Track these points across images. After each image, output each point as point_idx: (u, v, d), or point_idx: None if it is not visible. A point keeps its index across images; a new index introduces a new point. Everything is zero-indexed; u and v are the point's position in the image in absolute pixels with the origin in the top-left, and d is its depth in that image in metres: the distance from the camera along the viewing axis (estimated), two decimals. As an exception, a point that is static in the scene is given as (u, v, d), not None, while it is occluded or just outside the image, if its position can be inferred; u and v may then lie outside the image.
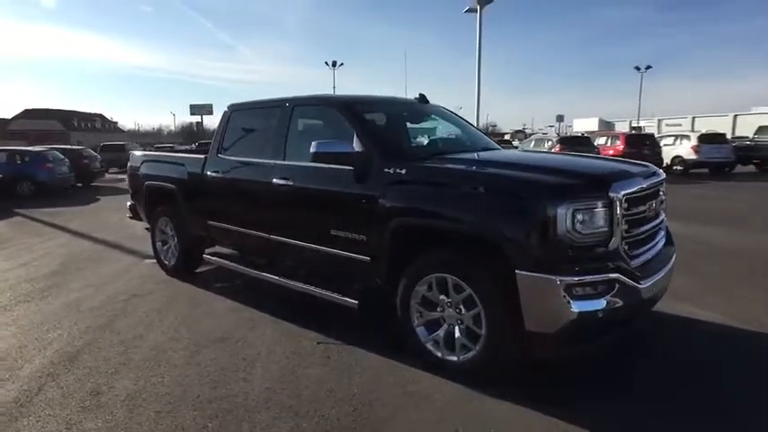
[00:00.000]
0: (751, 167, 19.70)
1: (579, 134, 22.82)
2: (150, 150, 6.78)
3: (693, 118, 54.10)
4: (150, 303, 4.57)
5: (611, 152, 16.82)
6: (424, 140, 4.37)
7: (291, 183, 3.86)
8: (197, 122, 54.22)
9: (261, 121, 4.46)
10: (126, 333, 3.89)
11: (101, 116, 74.77)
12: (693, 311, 4.07)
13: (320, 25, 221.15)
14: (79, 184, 16.18)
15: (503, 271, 2.75)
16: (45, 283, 5.27)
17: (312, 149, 3.41)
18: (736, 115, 50.55)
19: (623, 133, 19.40)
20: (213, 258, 4.87)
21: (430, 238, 3.14)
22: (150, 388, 3.02)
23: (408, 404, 2.78)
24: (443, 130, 4.46)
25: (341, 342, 3.61)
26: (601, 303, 2.66)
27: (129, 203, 6.11)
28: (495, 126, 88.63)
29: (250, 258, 4.65)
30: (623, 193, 2.78)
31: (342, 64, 39.61)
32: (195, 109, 40.75)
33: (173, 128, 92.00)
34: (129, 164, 5.99)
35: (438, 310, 3.13)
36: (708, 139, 19.22)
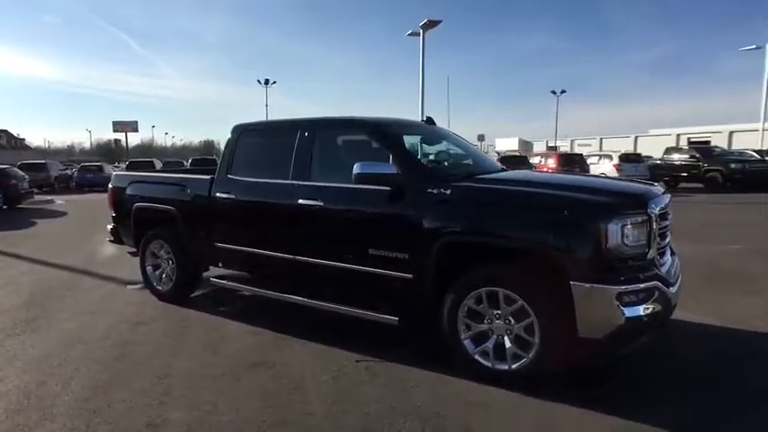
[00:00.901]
0: (661, 184, 21.88)
1: (517, 154, 24.21)
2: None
3: (601, 139, 59.24)
4: (160, 330, 4.37)
5: (545, 169, 18.07)
6: (447, 161, 4.58)
7: (322, 203, 3.91)
8: (116, 140, 51.28)
9: (276, 141, 4.46)
10: (150, 362, 3.70)
11: (5, 132, 68.42)
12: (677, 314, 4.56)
13: (244, 42, 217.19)
14: (4, 207, 14.76)
15: (556, 283, 2.99)
16: (26, 314, 4.84)
17: (356, 171, 3.51)
18: (636, 136, 56.03)
19: (557, 153, 20.92)
20: (223, 282, 4.73)
21: (478, 254, 3.33)
22: (208, 417, 2.93)
23: (475, 414, 2.92)
24: (455, 151, 4.69)
25: (378, 359, 3.68)
26: (644, 309, 2.97)
27: (109, 227, 5.78)
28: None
29: (263, 280, 4.58)
30: (657, 209, 3.14)
31: (275, 82, 39.36)
32: (119, 125, 38.52)
33: (87, 145, 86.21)
34: (111, 184, 5.68)
35: (486, 321, 3.31)
36: (627, 159, 21.22)
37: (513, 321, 3.20)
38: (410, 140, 4.41)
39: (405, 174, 3.57)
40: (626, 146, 49.28)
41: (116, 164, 32.77)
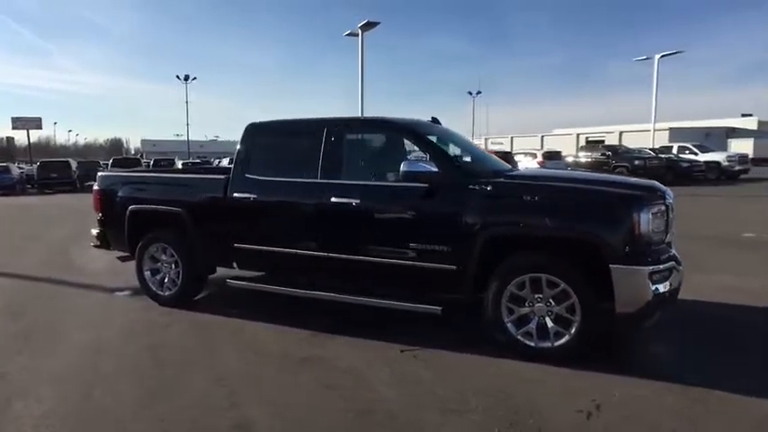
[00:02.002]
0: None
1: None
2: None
3: (512, 138, 63.21)
4: (181, 334, 4.25)
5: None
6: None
7: (358, 201, 4.03)
8: (8, 137, 46.29)
9: (299, 140, 4.50)
10: (193, 366, 3.62)
11: None
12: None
13: (155, 37, 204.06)
14: None
15: (596, 266, 3.39)
16: (13, 327, 4.46)
17: (404, 169, 3.70)
18: (543, 136, 60.44)
19: (491, 152, 22.07)
20: (242, 283, 4.66)
21: (522, 243, 3.65)
22: (288, 412, 2.97)
23: (535, 388, 3.20)
24: (465, 150, 4.98)
25: (421, 348, 3.87)
26: (666, 285, 3.44)
27: (95, 231, 5.43)
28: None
29: (285, 278, 4.58)
30: (671, 200, 3.64)
31: (195, 78, 37.72)
32: (19, 122, 34.71)
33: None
34: (97, 186, 5.34)
35: (527, 305, 3.64)
36: (549, 156, 22.98)
37: (553, 303, 3.55)
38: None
39: (445, 171, 3.79)
40: (534, 144, 52.99)
41: (19, 164, 29.61)
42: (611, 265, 3.32)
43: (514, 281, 3.61)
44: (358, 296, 4.15)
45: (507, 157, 20.12)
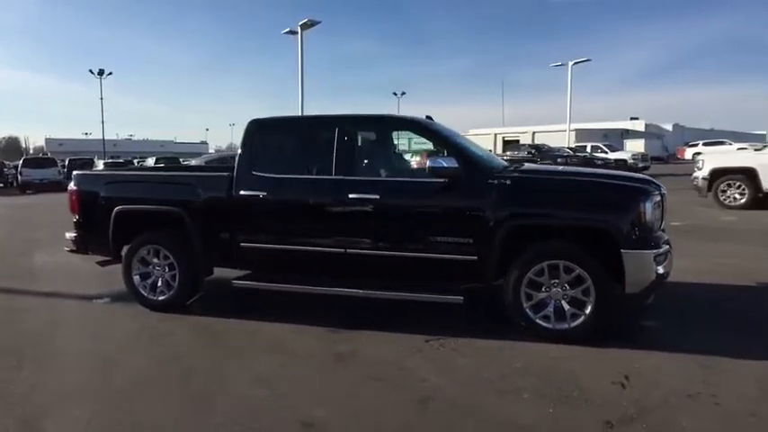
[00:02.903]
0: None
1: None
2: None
3: None
4: (193, 340, 4.08)
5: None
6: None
7: (378, 196, 4.09)
8: None
9: (309, 137, 4.48)
10: (223, 371, 3.51)
11: None
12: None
13: (60, 30, 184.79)
14: None
15: (608, 252, 3.73)
16: None
17: (431, 164, 3.84)
18: (463, 135, 62.88)
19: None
20: (250, 283, 4.52)
21: (540, 233, 3.91)
22: (350, 405, 3.00)
23: (570, 364, 3.47)
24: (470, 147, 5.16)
25: (444, 337, 4.00)
26: (664, 267, 3.87)
27: (71, 235, 5.00)
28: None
29: (294, 276, 4.52)
30: (664, 191, 4.08)
31: (111, 73, 35.20)
32: None
33: None
34: (74, 186, 4.92)
35: (544, 290, 3.91)
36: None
37: (568, 287, 3.86)
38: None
39: (465, 167, 3.98)
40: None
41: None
42: (622, 251, 3.68)
43: (533, 268, 3.87)
44: (377, 290, 4.22)
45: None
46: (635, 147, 38.94)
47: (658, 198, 3.89)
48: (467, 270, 4.01)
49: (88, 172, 5.14)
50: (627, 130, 54.87)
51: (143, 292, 4.77)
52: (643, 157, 28.28)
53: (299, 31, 18.99)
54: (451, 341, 3.94)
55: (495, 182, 3.93)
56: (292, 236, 4.34)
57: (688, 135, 56.23)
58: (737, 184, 11.32)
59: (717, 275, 5.67)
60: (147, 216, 4.66)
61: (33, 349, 3.93)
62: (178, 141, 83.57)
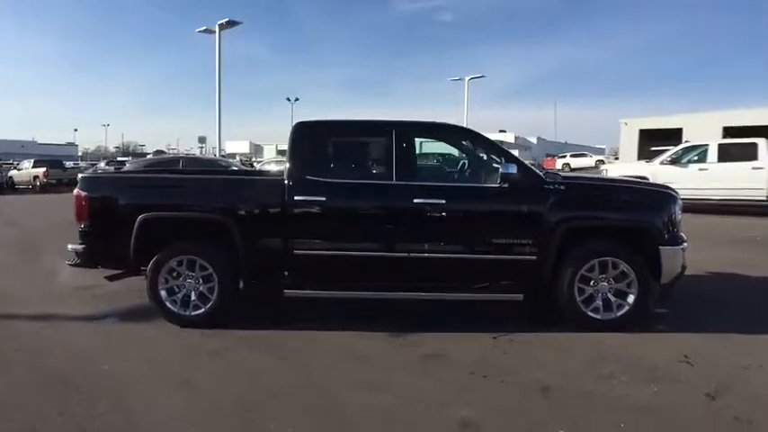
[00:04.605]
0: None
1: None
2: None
3: None
4: (258, 354, 3.82)
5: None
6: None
7: (443, 202, 4.20)
8: None
9: (363, 141, 4.44)
10: (326, 380, 3.38)
11: None
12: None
13: None
14: None
15: (648, 248, 4.26)
16: (30, 377, 3.38)
17: (506, 171, 4.07)
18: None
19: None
20: (303, 292, 4.32)
21: (593, 233, 4.32)
22: (482, 401, 3.09)
23: (630, 349, 3.88)
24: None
25: (507, 333, 4.20)
26: (684, 260, 4.51)
27: (76, 247, 4.35)
28: (144, 146, 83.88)
29: (347, 282, 4.43)
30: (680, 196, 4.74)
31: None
32: None
33: None
34: (82, 191, 4.29)
35: (591, 284, 4.33)
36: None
37: (613, 282, 4.31)
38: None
39: (524, 173, 4.26)
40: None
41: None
42: (660, 247, 4.23)
43: (586, 265, 4.27)
44: (440, 293, 4.33)
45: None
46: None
47: (680, 202, 4.53)
48: (526, 269, 4.29)
49: (102, 174, 4.50)
50: (501, 142, 59.93)
51: (172, 307, 4.32)
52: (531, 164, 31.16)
53: (217, 30, 17.97)
54: (516, 336, 4.18)
55: (551, 187, 4.27)
56: (352, 242, 4.27)
57: (550, 147, 63.24)
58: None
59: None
60: (180, 224, 4.25)
61: (104, 384, 3.34)
62: (41, 143, 73.79)
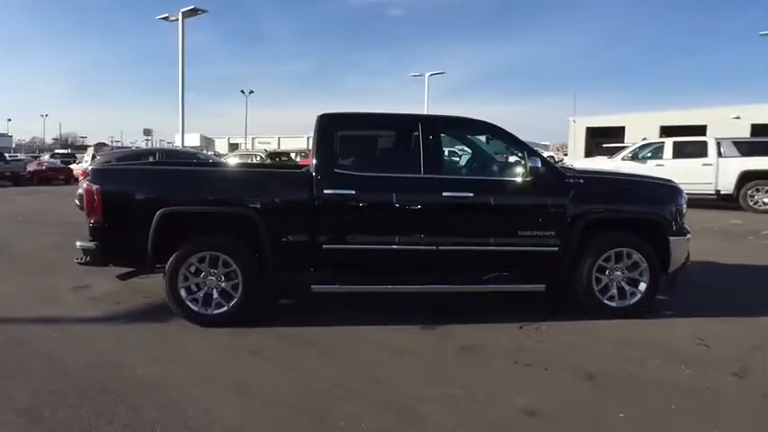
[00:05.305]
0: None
1: (283, 152, 24.51)
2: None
3: (279, 138, 65.14)
4: (297, 352, 3.74)
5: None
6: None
7: (472, 194, 4.26)
8: None
9: (389, 135, 4.41)
10: (380, 374, 3.36)
11: None
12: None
13: None
14: None
15: (658, 239, 4.50)
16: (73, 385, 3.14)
17: (534, 165, 4.16)
18: (308, 137, 63.79)
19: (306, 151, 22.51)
20: (331, 287, 4.25)
21: (610, 225, 4.50)
22: (534, 387, 3.18)
23: (657, 332, 4.11)
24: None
25: (526, 322, 4.35)
26: (689, 251, 4.80)
27: (84, 244, 4.07)
28: (85, 137, 79.26)
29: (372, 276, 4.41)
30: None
31: None
32: None
33: None
34: (94, 183, 4.01)
35: (607, 274, 4.52)
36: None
37: (626, 271, 4.53)
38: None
39: (547, 168, 4.40)
40: (301, 144, 55.45)
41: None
42: (669, 237, 4.48)
43: (603, 255, 4.46)
44: (465, 285, 4.39)
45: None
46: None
47: (686, 195, 4.81)
48: (549, 260, 4.43)
49: (116, 166, 4.21)
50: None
51: (192, 305, 4.14)
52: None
53: (180, 18, 17.13)
54: (539, 325, 4.30)
55: (572, 181, 4.42)
56: (381, 235, 4.25)
57: (498, 144, 64.96)
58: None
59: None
60: (203, 219, 4.07)
61: (144, 390, 3.13)
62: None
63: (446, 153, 5.21)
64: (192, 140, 72.35)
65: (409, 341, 3.96)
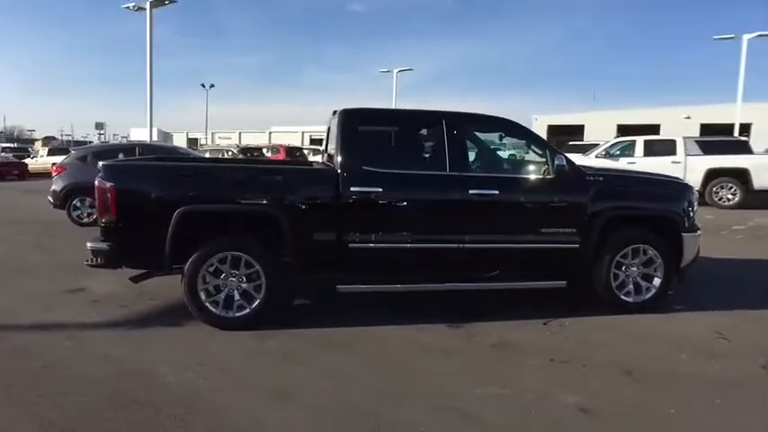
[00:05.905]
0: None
1: (255, 147, 23.75)
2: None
3: (240, 133, 64.05)
4: (335, 355, 3.63)
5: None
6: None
7: (497, 192, 4.24)
8: None
9: (413, 132, 4.33)
10: (425, 369, 3.29)
11: None
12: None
13: None
14: None
15: (671, 235, 4.62)
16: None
17: (560, 163, 4.18)
18: (270, 132, 63.01)
19: (284, 147, 22.02)
20: (357, 287, 4.13)
21: (628, 222, 4.58)
22: (578, 385, 3.19)
23: (668, 330, 4.21)
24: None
25: (553, 318, 4.38)
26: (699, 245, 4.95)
27: (96, 246, 3.81)
28: (33, 131, 75.27)
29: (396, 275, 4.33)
30: (691, 184, 5.18)
31: None
32: None
33: None
34: (107, 181, 3.74)
35: (623, 269, 4.61)
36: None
37: (641, 267, 4.63)
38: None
39: (570, 165, 4.43)
40: (263, 140, 54.54)
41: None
42: (683, 234, 4.61)
43: (621, 252, 4.54)
44: (488, 282, 4.38)
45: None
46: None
47: (696, 193, 4.96)
48: (571, 257, 4.47)
49: (131, 162, 3.93)
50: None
51: (213, 308, 3.95)
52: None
53: (148, 8, 16.36)
54: (562, 321, 4.34)
55: (592, 179, 4.48)
56: (408, 233, 4.17)
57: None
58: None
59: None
60: (225, 218, 3.88)
61: (185, 400, 2.95)
62: None
63: (490, 149, 5.20)
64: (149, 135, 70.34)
65: (440, 340, 3.92)
